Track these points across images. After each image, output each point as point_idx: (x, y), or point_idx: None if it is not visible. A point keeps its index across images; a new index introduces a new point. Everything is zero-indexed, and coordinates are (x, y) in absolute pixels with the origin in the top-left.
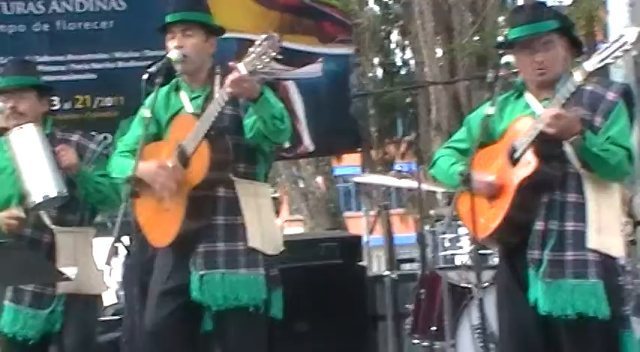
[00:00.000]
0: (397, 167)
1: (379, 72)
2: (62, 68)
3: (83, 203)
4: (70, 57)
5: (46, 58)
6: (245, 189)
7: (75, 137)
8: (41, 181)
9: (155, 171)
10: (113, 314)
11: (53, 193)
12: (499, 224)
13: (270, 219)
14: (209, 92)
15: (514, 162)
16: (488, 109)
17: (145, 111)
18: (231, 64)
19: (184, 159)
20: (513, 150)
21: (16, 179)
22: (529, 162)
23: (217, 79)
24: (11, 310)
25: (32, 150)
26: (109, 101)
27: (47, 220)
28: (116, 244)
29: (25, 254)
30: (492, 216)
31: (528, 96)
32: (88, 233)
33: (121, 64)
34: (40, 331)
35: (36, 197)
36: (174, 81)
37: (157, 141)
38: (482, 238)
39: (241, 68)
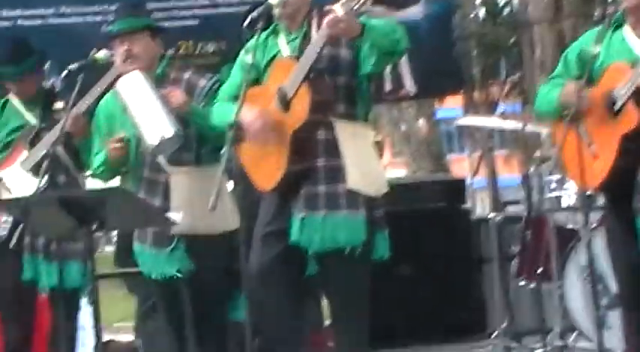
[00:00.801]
0: (501, 108)
1: (481, 12)
2: (165, 14)
3: (198, 141)
4: (173, 3)
5: (150, 5)
6: (344, 130)
7: (186, 75)
8: (155, 124)
9: (255, 118)
10: None
11: (169, 133)
12: (606, 177)
13: (371, 160)
14: (305, 33)
15: (615, 112)
16: (594, 48)
17: (246, 57)
18: (327, 7)
19: (285, 103)
20: (612, 101)
21: (132, 124)
22: (631, 117)
23: (314, 21)
24: (138, 249)
25: (141, 94)
26: (210, 47)
27: (162, 160)
28: (222, 187)
29: (134, 198)
30: (598, 169)
31: (626, 30)
32: (207, 172)
33: (222, 10)
34: (165, 270)
35: (153, 140)
36: (273, 25)
37: (257, 85)
38: (589, 190)
39: (337, 9)
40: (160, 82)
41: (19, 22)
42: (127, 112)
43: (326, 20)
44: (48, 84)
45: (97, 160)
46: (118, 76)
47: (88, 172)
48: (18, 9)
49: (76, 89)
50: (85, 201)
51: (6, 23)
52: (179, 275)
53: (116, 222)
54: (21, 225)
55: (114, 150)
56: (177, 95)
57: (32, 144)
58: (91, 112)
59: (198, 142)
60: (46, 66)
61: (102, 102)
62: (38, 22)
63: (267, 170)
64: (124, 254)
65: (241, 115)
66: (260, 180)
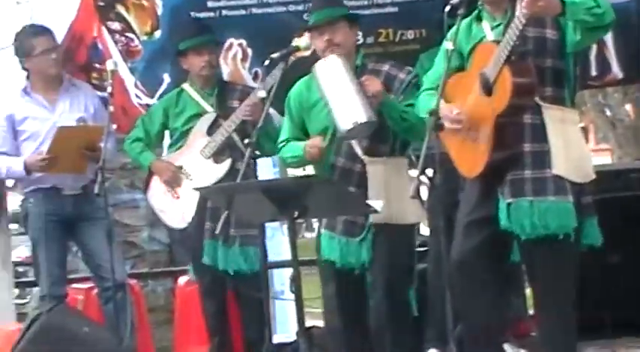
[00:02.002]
0: None
1: None
2: (365, 2)
3: (393, 133)
4: None
5: None
6: (552, 114)
7: (385, 67)
8: (350, 108)
9: (445, 112)
10: (419, 246)
11: (362, 119)
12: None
13: (578, 146)
14: (510, 18)
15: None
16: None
17: (447, 44)
18: None
19: (487, 87)
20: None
21: (326, 107)
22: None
23: (518, 4)
24: (326, 237)
25: (338, 79)
26: (410, 34)
27: (359, 150)
28: (421, 177)
29: (337, 186)
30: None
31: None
32: (400, 163)
33: None
34: (353, 259)
35: (346, 124)
36: (476, 11)
37: (460, 72)
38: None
39: None
40: (358, 72)
41: (224, 12)
42: (322, 95)
43: (525, 0)
44: (251, 73)
45: (290, 150)
46: (304, 62)
47: (275, 157)
48: (222, 0)
49: (277, 77)
50: (288, 188)
51: (211, 14)
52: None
53: (318, 210)
54: (225, 213)
55: (310, 153)
56: (375, 83)
57: (209, 132)
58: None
59: (394, 134)
60: (249, 55)
61: (294, 89)
62: (242, 12)
63: (472, 156)
64: None
65: (441, 109)
66: (465, 167)
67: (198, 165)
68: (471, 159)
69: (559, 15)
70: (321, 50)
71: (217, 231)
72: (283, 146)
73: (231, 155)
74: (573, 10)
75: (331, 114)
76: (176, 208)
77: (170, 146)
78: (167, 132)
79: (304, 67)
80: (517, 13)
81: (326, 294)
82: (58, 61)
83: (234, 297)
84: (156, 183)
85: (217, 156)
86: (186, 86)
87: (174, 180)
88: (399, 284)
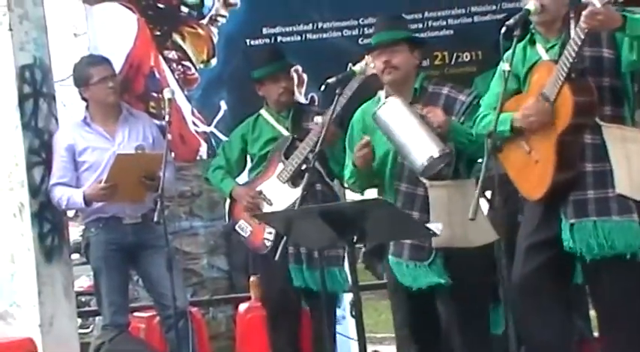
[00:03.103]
0: None
1: None
2: (420, 25)
3: (457, 155)
4: (427, 14)
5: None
6: (612, 133)
7: (445, 90)
8: (421, 146)
9: (523, 111)
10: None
11: (436, 153)
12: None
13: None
14: (564, 39)
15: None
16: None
17: (504, 65)
18: (583, 0)
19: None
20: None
21: (397, 150)
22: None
23: (572, 24)
24: (393, 263)
25: (402, 120)
26: (466, 56)
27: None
28: (480, 198)
29: (394, 210)
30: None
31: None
32: (464, 185)
33: (477, 19)
34: (424, 283)
35: (422, 161)
36: (529, 34)
37: (517, 95)
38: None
39: (595, 1)
40: (417, 96)
41: (279, 38)
42: (390, 139)
43: (584, 13)
44: (307, 98)
45: (348, 172)
46: (364, 84)
47: (344, 184)
48: (278, 26)
49: (335, 102)
50: (345, 213)
51: (266, 40)
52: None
53: (376, 234)
54: (284, 238)
55: (360, 157)
56: (438, 114)
57: (286, 155)
58: (339, 121)
59: (457, 157)
60: (305, 80)
61: (356, 117)
62: (297, 38)
63: (535, 178)
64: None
65: (515, 119)
66: (526, 188)
67: (277, 189)
68: (532, 181)
69: (618, 30)
70: (380, 71)
71: (277, 258)
72: (345, 169)
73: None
74: (633, 27)
75: (404, 156)
76: (259, 233)
77: (251, 170)
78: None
79: (366, 89)
80: (575, 29)
81: (398, 320)
82: (116, 90)
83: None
84: (241, 211)
85: (295, 179)
86: (262, 111)
87: (254, 206)
88: (467, 308)
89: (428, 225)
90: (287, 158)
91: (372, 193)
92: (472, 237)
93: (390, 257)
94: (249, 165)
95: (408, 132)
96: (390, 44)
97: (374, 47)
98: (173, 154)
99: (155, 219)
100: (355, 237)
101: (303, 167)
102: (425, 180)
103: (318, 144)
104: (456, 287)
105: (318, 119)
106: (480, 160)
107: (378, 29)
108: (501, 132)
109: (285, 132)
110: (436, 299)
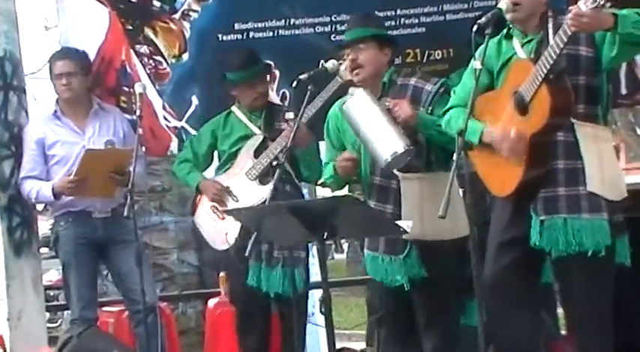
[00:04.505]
0: None
1: None
2: (393, 23)
3: (427, 146)
4: (400, 12)
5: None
6: (585, 131)
7: (412, 80)
8: (385, 141)
9: (499, 139)
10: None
11: (400, 149)
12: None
13: (611, 164)
14: (542, 36)
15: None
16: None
17: (475, 63)
18: (570, 8)
19: (523, 106)
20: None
21: (363, 144)
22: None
23: (550, 23)
24: (369, 257)
25: (368, 114)
26: (438, 54)
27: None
28: (450, 194)
29: (364, 206)
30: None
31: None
32: (437, 178)
33: (449, 17)
34: (399, 277)
35: (386, 156)
36: (506, 29)
37: (489, 90)
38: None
39: (581, 5)
40: (385, 89)
41: (251, 34)
42: (357, 133)
43: (569, 16)
44: (279, 94)
45: (328, 171)
46: (342, 86)
47: (319, 181)
48: (250, 22)
49: (306, 99)
50: (316, 209)
51: (238, 36)
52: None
53: (347, 230)
54: (254, 234)
55: (342, 168)
56: (404, 108)
57: (256, 154)
58: (311, 123)
59: (428, 148)
60: (276, 77)
61: (331, 112)
62: (269, 34)
63: (504, 175)
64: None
65: (486, 135)
66: (495, 186)
67: (245, 186)
68: (502, 178)
69: (609, 29)
70: (349, 70)
71: (247, 253)
72: (324, 169)
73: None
74: (624, 24)
75: (369, 151)
76: (220, 229)
77: (218, 168)
78: (215, 154)
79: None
80: (554, 33)
81: (370, 314)
82: (71, 87)
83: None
84: (202, 204)
85: (263, 178)
86: (234, 108)
87: (221, 199)
88: (440, 301)
89: (398, 223)
90: (257, 157)
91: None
92: (445, 230)
93: (365, 251)
94: (215, 161)
95: (374, 126)
96: (357, 41)
97: (344, 45)
98: (144, 149)
99: (125, 213)
100: (326, 234)
101: (274, 163)
102: (397, 173)
103: (289, 142)
104: (430, 280)
105: (289, 115)
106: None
107: (348, 27)
108: (469, 140)
109: (257, 131)
110: (411, 290)
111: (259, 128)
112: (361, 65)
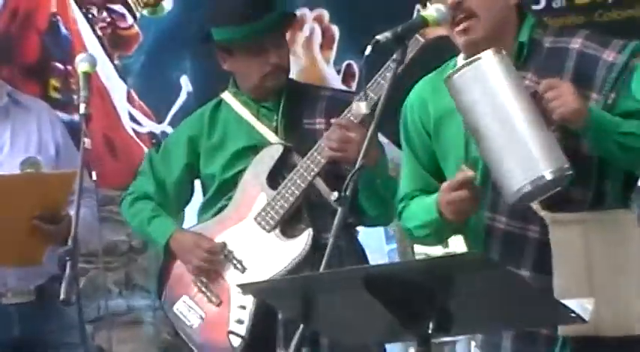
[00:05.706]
0: None
1: None
2: None
3: (598, 168)
4: None
5: None
6: None
7: (577, 43)
8: (522, 155)
9: None
10: None
11: (549, 171)
12: None
13: None
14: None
15: None
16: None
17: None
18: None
19: None
20: None
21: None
22: None
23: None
24: None
25: (497, 100)
26: None
27: (534, 201)
28: None
29: (512, 276)
30: None
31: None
32: (617, 221)
33: None
34: None
35: (518, 183)
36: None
37: None
38: None
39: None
40: (524, 57)
41: None
42: (474, 131)
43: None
44: (340, 68)
45: (416, 214)
46: (432, 53)
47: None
48: None
49: (390, 82)
50: (414, 281)
51: None
52: None
53: (469, 319)
54: (300, 330)
55: (449, 204)
56: (565, 95)
57: (272, 180)
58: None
59: (600, 172)
60: (335, 38)
61: (412, 95)
62: None
63: None
64: None
65: None
66: None
67: (254, 241)
68: None
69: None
70: (451, 26)
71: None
72: (404, 207)
73: (314, 222)
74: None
75: (491, 168)
76: (214, 325)
77: (203, 208)
78: (198, 183)
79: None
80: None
81: None
82: None
83: None
84: (179, 278)
85: (288, 224)
86: (227, 96)
87: (212, 267)
88: None
89: (567, 303)
90: (274, 187)
91: None
92: (636, 320)
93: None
94: (197, 195)
95: (505, 126)
96: None
97: None
98: (94, 174)
99: (62, 295)
100: (432, 325)
101: (334, 196)
102: (541, 211)
103: (360, 157)
104: None
105: (360, 107)
106: None
107: None
108: None
109: (273, 138)
110: None
111: (275, 131)
112: (473, 12)
